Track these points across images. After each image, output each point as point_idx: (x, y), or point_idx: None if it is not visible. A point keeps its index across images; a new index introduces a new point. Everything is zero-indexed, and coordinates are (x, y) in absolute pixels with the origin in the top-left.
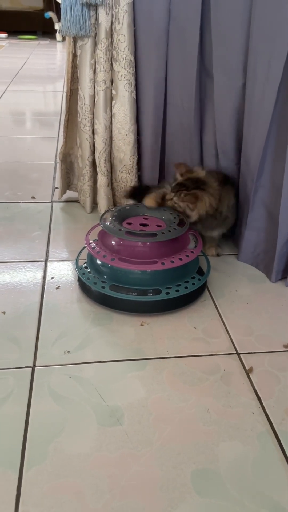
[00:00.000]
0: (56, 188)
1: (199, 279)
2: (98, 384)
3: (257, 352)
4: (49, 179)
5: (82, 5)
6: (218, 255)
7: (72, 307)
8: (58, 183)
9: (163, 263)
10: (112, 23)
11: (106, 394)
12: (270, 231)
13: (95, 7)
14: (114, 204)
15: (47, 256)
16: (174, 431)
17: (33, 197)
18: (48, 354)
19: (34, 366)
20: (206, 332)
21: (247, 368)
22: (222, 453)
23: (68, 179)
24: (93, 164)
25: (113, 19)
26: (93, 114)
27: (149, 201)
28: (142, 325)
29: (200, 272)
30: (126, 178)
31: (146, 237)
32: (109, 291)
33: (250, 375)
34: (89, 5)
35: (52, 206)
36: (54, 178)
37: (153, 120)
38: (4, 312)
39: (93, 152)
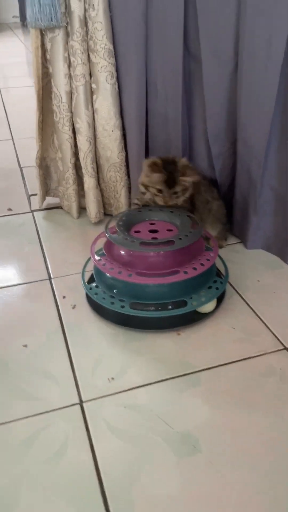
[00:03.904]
0: (32, 195)
1: (221, 282)
2: (157, 410)
3: None
4: (20, 186)
5: None
6: (220, 247)
7: (97, 326)
8: (37, 190)
9: (185, 272)
10: (85, 10)
11: (170, 419)
12: (279, 213)
13: None
14: (104, 206)
15: (49, 273)
16: (258, 447)
17: (9, 209)
18: (91, 385)
19: (81, 401)
20: (246, 331)
21: None
22: None
23: (46, 184)
24: (76, 166)
25: (86, 5)
26: (71, 112)
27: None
28: (179, 334)
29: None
30: (116, 177)
31: (163, 246)
32: (131, 310)
33: None
34: None
35: (33, 216)
36: (25, 184)
37: (136, 113)
38: (25, 345)
39: (75, 153)
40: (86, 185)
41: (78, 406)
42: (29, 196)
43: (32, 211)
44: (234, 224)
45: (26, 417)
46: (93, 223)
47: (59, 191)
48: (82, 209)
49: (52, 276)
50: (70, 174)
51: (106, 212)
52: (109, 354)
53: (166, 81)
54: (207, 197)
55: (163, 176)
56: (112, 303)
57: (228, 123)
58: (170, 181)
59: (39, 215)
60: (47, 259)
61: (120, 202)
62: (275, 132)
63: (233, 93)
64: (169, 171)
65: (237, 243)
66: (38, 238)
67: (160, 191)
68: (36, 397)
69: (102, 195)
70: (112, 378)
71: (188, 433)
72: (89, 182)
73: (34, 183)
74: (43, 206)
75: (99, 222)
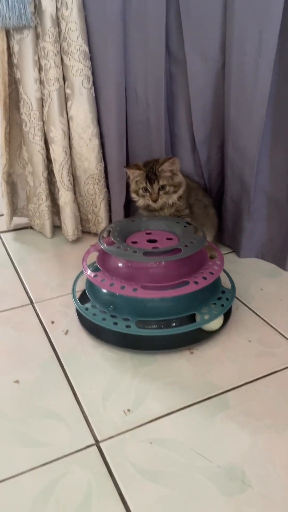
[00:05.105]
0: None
1: (230, 292)
2: (189, 442)
3: None
4: None
5: None
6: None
7: (98, 352)
8: (4, 209)
9: (196, 282)
10: (57, 9)
11: (206, 452)
12: (274, 218)
13: None
14: (80, 223)
15: (30, 298)
16: None
17: None
18: (105, 420)
19: (97, 441)
20: (264, 342)
21: None
22: None
23: (13, 203)
24: (49, 180)
25: (59, 4)
26: (43, 121)
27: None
28: (192, 353)
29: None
30: (94, 189)
31: (169, 255)
32: (138, 330)
33: None
34: None
35: (1, 238)
36: None
37: (116, 120)
38: (17, 381)
39: (48, 166)
40: (62, 200)
41: (94, 448)
42: None
43: None
44: (224, 233)
45: (34, 468)
46: (70, 241)
47: (29, 209)
48: (55, 228)
49: (34, 301)
50: (42, 189)
51: (83, 229)
52: (118, 383)
53: (147, 86)
54: (205, 202)
55: (143, 173)
56: (115, 323)
57: (215, 125)
58: (151, 175)
59: (7, 237)
60: (25, 283)
61: (100, 217)
62: (267, 132)
63: (220, 94)
64: (150, 167)
65: (229, 252)
66: (11, 262)
67: (145, 189)
68: (42, 441)
69: (79, 210)
70: (128, 410)
71: (231, 466)
72: (65, 196)
73: None
74: (11, 227)
75: (77, 240)
